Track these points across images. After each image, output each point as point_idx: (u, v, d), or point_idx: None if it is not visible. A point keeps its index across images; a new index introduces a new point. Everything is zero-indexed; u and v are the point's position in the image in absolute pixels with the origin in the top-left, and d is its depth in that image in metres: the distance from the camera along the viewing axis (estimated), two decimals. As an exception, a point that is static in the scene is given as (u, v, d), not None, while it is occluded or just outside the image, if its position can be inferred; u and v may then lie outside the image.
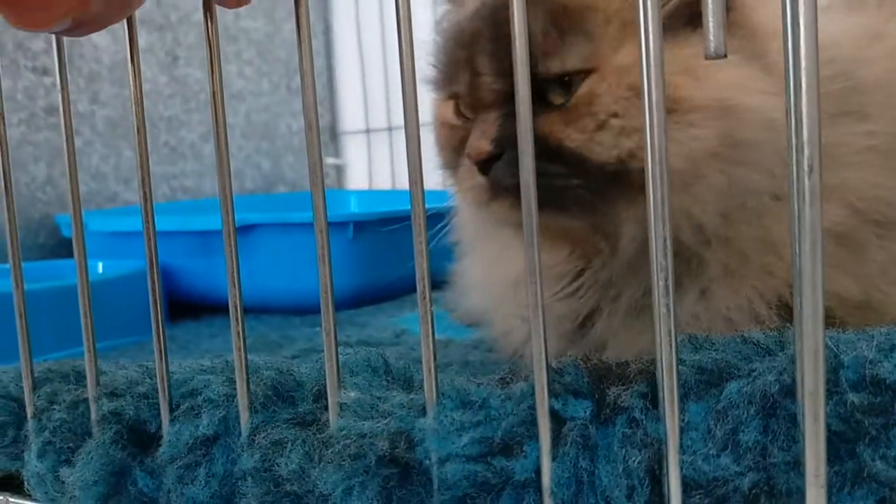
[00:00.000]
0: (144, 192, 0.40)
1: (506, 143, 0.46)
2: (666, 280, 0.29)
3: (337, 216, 0.97)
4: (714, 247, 0.47)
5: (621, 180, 0.45)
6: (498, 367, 0.54)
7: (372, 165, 1.65)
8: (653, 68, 0.29)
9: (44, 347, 0.66)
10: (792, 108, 0.26)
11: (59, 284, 0.80)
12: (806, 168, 0.26)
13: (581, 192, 0.46)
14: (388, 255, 0.97)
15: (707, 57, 0.30)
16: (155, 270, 0.40)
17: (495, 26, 0.47)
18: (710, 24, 0.30)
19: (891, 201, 0.47)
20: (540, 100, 0.46)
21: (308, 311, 0.92)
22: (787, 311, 0.46)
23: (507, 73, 0.45)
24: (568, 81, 0.46)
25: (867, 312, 0.46)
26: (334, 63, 1.70)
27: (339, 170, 1.70)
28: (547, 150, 0.45)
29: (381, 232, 0.97)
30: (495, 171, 0.47)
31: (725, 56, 0.30)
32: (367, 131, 1.65)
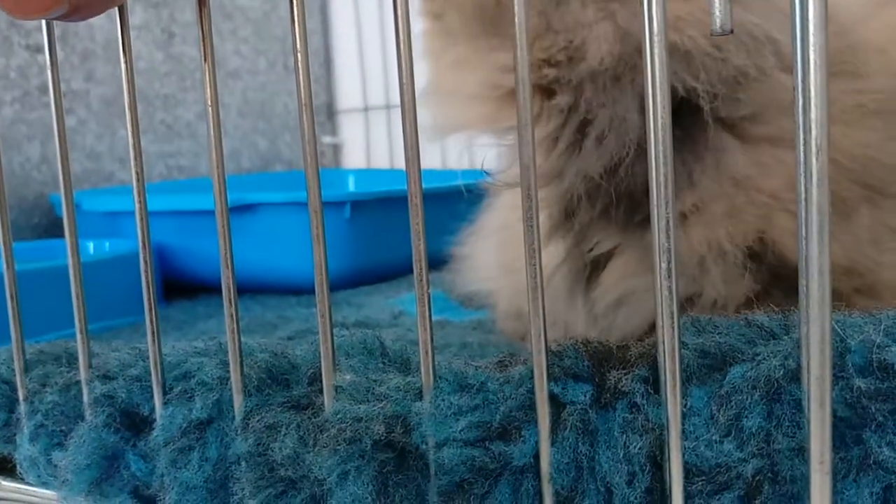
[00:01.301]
0: (136, 172, 0.39)
1: None
2: (669, 262, 0.28)
3: (334, 195, 0.97)
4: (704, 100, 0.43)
5: None
6: (497, 350, 0.54)
7: (369, 144, 1.64)
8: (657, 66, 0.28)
9: (38, 328, 0.65)
10: (800, 87, 0.26)
11: (52, 264, 0.79)
12: (814, 148, 0.26)
13: None
14: (385, 234, 0.96)
15: (713, 34, 0.30)
16: (147, 250, 0.39)
17: None
18: (717, 0, 0.29)
19: (883, 164, 0.45)
20: None
21: (305, 291, 0.92)
22: (751, 254, 0.44)
23: None
24: None
25: (853, 279, 0.44)
26: (331, 41, 1.68)
27: (336, 149, 1.69)
28: None
29: (379, 211, 0.97)
30: None
31: (732, 32, 0.29)
32: (365, 109, 1.64)
